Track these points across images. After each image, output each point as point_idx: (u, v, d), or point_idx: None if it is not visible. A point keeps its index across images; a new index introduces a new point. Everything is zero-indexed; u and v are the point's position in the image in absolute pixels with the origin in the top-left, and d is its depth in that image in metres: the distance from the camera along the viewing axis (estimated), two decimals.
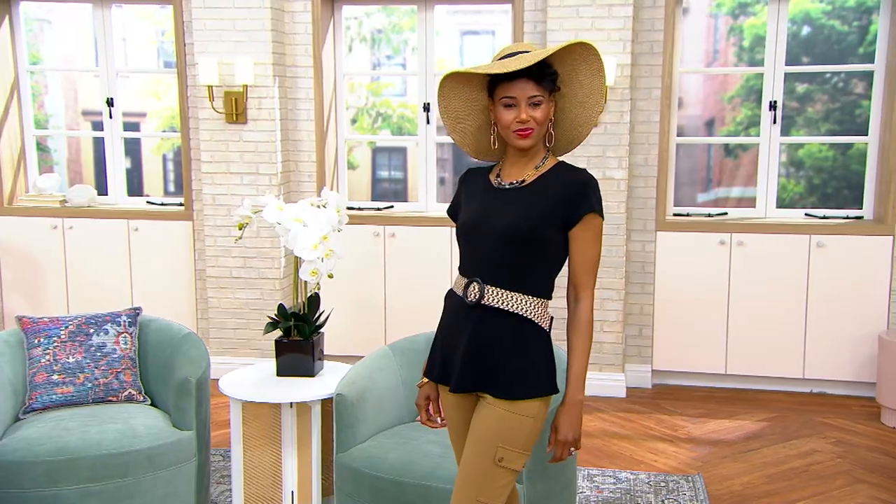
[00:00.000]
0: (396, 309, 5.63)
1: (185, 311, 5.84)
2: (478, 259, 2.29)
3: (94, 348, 3.65)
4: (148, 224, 5.94)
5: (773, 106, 5.34)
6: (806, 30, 5.77)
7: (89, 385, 3.59)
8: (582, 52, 2.23)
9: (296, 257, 3.58)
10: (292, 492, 3.51)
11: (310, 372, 3.61)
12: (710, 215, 5.46)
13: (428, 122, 5.71)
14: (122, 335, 3.71)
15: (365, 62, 6.40)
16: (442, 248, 5.51)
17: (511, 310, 2.23)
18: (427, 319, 5.46)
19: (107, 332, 3.69)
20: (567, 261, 2.29)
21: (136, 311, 3.81)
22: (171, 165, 7.22)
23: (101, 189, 6.27)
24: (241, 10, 5.31)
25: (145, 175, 7.01)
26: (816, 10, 5.75)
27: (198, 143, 5.70)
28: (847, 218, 5.33)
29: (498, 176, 2.36)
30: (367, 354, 3.61)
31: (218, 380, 3.63)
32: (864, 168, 5.42)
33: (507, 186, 2.31)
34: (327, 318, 3.68)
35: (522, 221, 2.21)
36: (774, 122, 5.35)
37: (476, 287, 2.26)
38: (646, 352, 5.40)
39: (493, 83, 2.27)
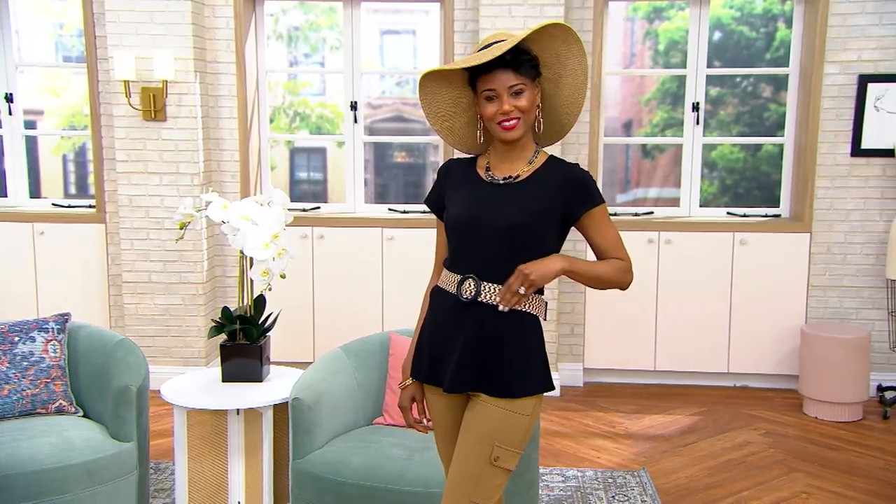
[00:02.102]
0: (326, 312, 5.49)
1: (97, 319, 5.53)
2: (472, 255, 2.21)
3: (20, 357, 3.40)
4: (55, 227, 5.61)
5: (695, 107, 5.47)
6: (717, 35, 5.95)
7: (16, 397, 3.34)
8: (559, 35, 2.18)
9: (241, 258, 3.43)
10: (239, 502, 3.35)
11: (257, 377, 3.46)
12: (637, 214, 5.55)
13: (356, 120, 5.59)
14: (51, 343, 3.47)
15: (282, 60, 6.23)
16: (373, 249, 5.41)
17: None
18: (359, 321, 5.38)
19: (34, 340, 3.45)
20: (595, 252, 2.25)
21: (64, 318, 3.57)
22: (72, 166, 6.86)
23: None
24: (158, 1, 5.08)
25: (43, 176, 6.63)
26: (727, 16, 5.93)
27: (111, 141, 5.42)
28: (766, 216, 5.51)
29: (488, 170, 2.29)
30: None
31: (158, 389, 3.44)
32: (773, 169, 5.62)
33: (500, 181, 2.24)
34: (275, 320, 3.53)
35: (523, 218, 2.16)
36: (697, 122, 5.48)
37: (472, 284, 2.19)
38: (577, 350, 5.44)
39: (474, 76, 2.21)
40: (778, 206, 5.59)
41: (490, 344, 2.18)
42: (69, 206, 5.79)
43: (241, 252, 3.35)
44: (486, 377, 2.18)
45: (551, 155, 2.30)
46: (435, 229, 2.45)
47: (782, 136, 5.56)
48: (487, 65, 2.14)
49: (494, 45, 2.15)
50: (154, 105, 5.14)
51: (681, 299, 5.36)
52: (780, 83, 5.72)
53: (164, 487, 3.87)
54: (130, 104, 5.14)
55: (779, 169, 5.67)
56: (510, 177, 2.24)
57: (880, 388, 5.16)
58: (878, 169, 5.20)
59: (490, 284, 2.17)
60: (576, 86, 2.27)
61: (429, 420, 2.41)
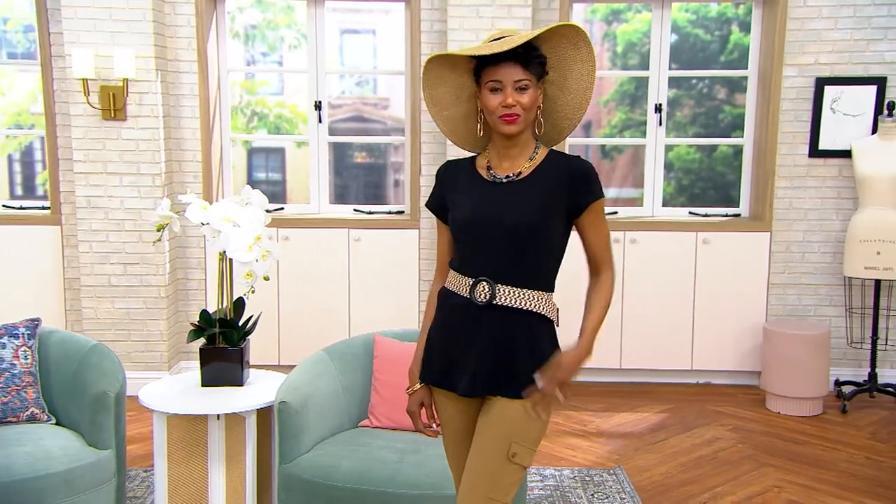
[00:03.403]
0: (292, 314, 5.41)
1: (53, 323, 5.34)
2: (482, 256, 2.19)
3: None
4: (6, 230, 5.44)
5: (658, 108, 5.54)
6: (674, 37, 6.04)
7: None
8: (571, 37, 2.17)
9: (221, 259, 3.36)
10: None
11: (238, 381, 3.40)
12: None
13: (320, 120, 5.53)
14: (22, 349, 3.36)
15: (238, 59, 6.14)
16: (339, 251, 5.35)
17: (525, 308, 2.16)
18: (326, 324, 5.32)
19: (4, 347, 3.33)
20: (583, 246, 2.25)
21: (34, 323, 3.46)
22: (18, 166, 6.65)
23: None
24: None
25: None
26: (683, 19, 6.03)
27: (67, 140, 5.26)
28: (726, 216, 5.61)
29: (489, 169, 2.26)
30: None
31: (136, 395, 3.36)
32: (727, 169, 5.73)
33: (503, 180, 2.22)
34: (255, 322, 3.47)
35: (530, 215, 2.14)
36: (660, 123, 5.56)
37: (486, 287, 2.17)
38: None
39: (479, 67, 2.19)
40: (732, 206, 5.70)
41: (508, 346, 2.17)
42: (21, 208, 5.60)
43: (222, 254, 3.29)
44: (503, 380, 2.17)
45: (552, 149, 2.28)
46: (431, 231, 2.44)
47: (738, 136, 5.68)
48: (496, 56, 2.12)
49: (505, 39, 2.13)
50: (114, 104, 5.01)
51: (646, 298, 5.42)
52: (734, 85, 5.83)
53: (137, 495, 3.77)
54: (89, 103, 5.00)
55: (733, 169, 5.78)
56: (512, 174, 2.22)
57: (838, 383, 5.30)
58: (835, 170, 5.33)
59: (505, 287, 2.16)
60: (579, 91, 2.25)
61: (438, 425, 2.38)
